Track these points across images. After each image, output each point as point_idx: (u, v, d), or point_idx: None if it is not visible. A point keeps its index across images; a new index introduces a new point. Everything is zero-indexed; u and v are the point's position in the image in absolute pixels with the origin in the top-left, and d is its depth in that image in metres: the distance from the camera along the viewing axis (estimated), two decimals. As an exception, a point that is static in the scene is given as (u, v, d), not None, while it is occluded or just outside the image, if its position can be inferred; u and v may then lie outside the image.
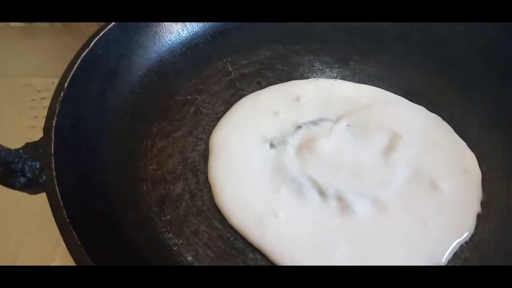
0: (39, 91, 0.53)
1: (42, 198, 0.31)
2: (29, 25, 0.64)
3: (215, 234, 0.35)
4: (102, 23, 0.41)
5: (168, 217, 0.36)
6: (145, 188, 0.37)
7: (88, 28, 0.64)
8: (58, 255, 0.40)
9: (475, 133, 0.42)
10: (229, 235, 0.35)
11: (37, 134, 0.48)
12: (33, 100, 0.52)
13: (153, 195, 0.37)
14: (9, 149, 0.29)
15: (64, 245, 0.28)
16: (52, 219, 0.29)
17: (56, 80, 0.36)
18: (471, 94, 0.45)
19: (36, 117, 0.50)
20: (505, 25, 0.44)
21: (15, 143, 0.47)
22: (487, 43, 0.47)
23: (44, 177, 0.30)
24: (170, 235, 0.35)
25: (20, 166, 0.29)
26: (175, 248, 0.34)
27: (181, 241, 0.34)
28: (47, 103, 0.51)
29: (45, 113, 0.35)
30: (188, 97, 0.44)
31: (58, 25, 0.64)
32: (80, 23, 0.64)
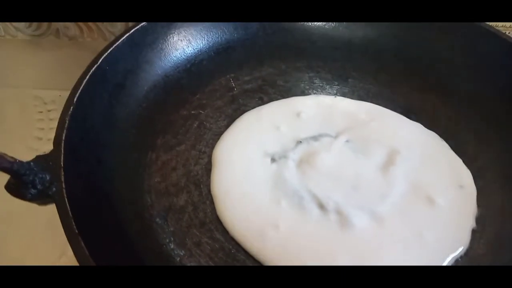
0: (45, 103, 0.55)
1: (47, 209, 0.32)
2: (36, 38, 0.65)
3: (217, 246, 0.36)
4: (108, 40, 0.43)
5: (172, 229, 0.37)
6: (149, 200, 0.38)
7: (94, 42, 0.66)
8: (63, 264, 0.41)
9: (471, 149, 0.43)
10: (230, 247, 0.36)
11: (44, 146, 0.50)
12: (40, 112, 0.54)
13: (157, 207, 0.38)
14: (21, 162, 0.30)
15: (69, 254, 0.29)
16: (58, 229, 0.29)
17: (63, 93, 0.37)
18: (468, 111, 0.46)
19: (42, 129, 0.52)
20: (502, 41, 0.46)
21: (21, 154, 0.48)
22: (485, 60, 0.47)
23: (54, 189, 0.31)
24: (173, 246, 0.36)
25: (31, 178, 0.30)
26: (178, 259, 0.35)
27: (183, 252, 0.35)
28: (53, 115, 0.53)
29: (51, 125, 0.36)
30: (192, 112, 0.45)
31: (64, 38, 0.66)
32: (86, 38, 0.66)
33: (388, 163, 0.41)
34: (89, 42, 0.66)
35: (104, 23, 0.64)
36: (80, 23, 0.64)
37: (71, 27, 0.65)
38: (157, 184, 0.39)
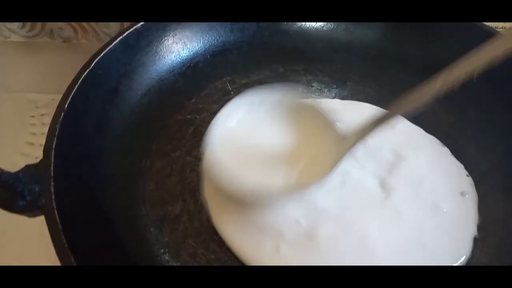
0: (38, 107, 0.53)
1: (41, 218, 0.31)
2: (29, 40, 0.64)
3: (212, 257, 0.35)
4: (103, 41, 0.42)
5: (166, 239, 0.36)
6: (143, 209, 0.37)
7: (88, 44, 0.64)
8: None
9: (472, 155, 0.42)
10: (226, 258, 0.35)
11: (35, 151, 0.49)
12: (32, 116, 0.52)
13: (152, 216, 0.37)
14: (9, 173, 0.29)
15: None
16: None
17: (56, 97, 0.36)
18: (469, 116, 0.45)
19: (34, 133, 0.50)
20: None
21: (13, 159, 0.48)
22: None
23: (43, 200, 0.30)
24: (167, 257, 0.35)
25: (19, 189, 0.29)
26: (173, 270, 0.34)
27: (179, 263, 0.34)
28: (46, 119, 0.52)
29: (44, 129, 0.35)
30: (188, 116, 0.44)
31: (58, 41, 0.65)
32: (80, 39, 0.64)
33: (389, 167, 0.40)
34: (83, 43, 0.65)
35: (99, 24, 0.63)
36: (75, 24, 0.63)
37: (65, 28, 0.63)
38: (151, 192, 0.38)
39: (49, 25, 0.63)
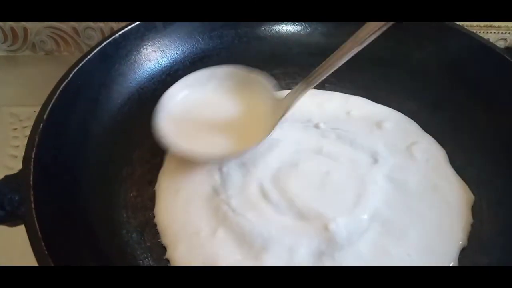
0: (21, 120, 0.54)
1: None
2: (11, 54, 0.64)
3: (194, 260, 0.35)
4: (85, 51, 0.42)
5: (148, 244, 0.36)
6: (125, 215, 0.38)
7: (71, 56, 0.65)
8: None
9: (449, 152, 0.43)
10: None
11: (19, 164, 0.48)
12: (15, 129, 0.53)
13: (133, 222, 0.37)
14: (-12, 183, 0.30)
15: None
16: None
17: (38, 109, 0.37)
18: (443, 114, 0.46)
19: (17, 146, 0.51)
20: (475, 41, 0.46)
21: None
22: (458, 62, 0.48)
23: (23, 209, 0.31)
24: (150, 262, 0.35)
25: (-1, 199, 0.30)
26: (156, 275, 0.34)
27: (161, 267, 0.35)
28: (28, 132, 0.52)
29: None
30: (168, 124, 0.45)
31: (41, 53, 0.65)
32: (63, 52, 0.65)
33: (369, 164, 0.41)
34: (65, 56, 0.65)
35: (81, 36, 0.63)
36: (56, 37, 0.63)
37: (47, 41, 0.64)
38: (133, 199, 0.39)
39: (31, 38, 0.64)
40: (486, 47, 0.45)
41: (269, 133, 0.40)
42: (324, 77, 0.40)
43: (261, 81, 0.43)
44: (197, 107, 0.43)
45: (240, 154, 0.40)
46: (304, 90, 0.40)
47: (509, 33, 0.60)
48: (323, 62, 0.40)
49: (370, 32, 0.37)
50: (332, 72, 0.49)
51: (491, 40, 0.60)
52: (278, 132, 0.42)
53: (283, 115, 0.40)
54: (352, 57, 0.50)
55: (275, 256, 0.35)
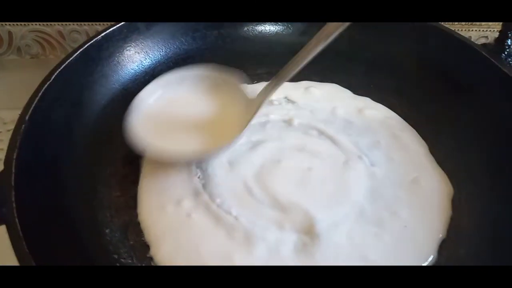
0: (5, 123, 0.54)
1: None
2: (-3, 58, 0.64)
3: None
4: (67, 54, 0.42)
5: (132, 243, 0.36)
6: (108, 214, 0.38)
7: (57, 59, 0.64)
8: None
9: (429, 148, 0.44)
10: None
11: (2, 167, 0.49)
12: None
13: (117, 222, 0.38)
14: (-32, 184, 0.30)
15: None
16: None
17: (22, 112, 0.37)
18: (427, 110, 0.47)
19: (2, 149, 0.51)
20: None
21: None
22: (439, 59, 0.48)
23: (4, 210, 0.31)
24: (134, 261, 0.35)
25: (-21, 200, 0.30)
26: (139, 273, 0.35)
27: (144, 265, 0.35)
28: (14, 135, 0.52)
29: (11, 145, 0.35)
30: (152, 124, 0.45)
31: (27, 57, 0.65)
32: (48, 55, 0.65)
33: (350, 159, 0.42)
34: (51, 59, 0.65)
35: (66, 39, 0.63)
36: (42, 41, 0.64)
37: (33, 45, 0.64)
38: (116, 199, 0.39)
39: (16, 42, 0.64)
40: (465, 44, 0.46)
41: (242, 131, 0.40)
42: (292, 74, 0.40)
43: (233, 81, 0.44)
44: (170, 107, 0.43)
45: (213, 153, 0.41)
46: (274, 88, 0.41)
47: (491, 30, 0.61)
48: (290, 61, 0.40)
49: (331, 31, 0.38)
50: (315, 71, 0.51)
51: (472, 38, 0.61)
52: (261, 132, 0.43)
53: (254, 114, 0.41)
54: (334, 56, 0.51)
55: (259, 250, 0.35)
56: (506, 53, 0.45)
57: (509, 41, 0.46)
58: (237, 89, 0.43)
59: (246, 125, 0.40)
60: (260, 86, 0.47)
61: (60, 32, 0.61)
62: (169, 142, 0.40)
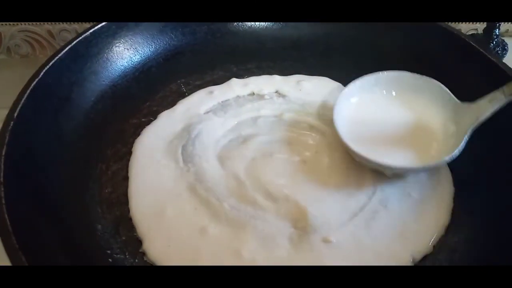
0: (-5, 122, 0.53)
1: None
2: (-14, 58, 0.64)
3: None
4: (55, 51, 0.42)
5: (124, 238, 0.36)
6: (99, 210, 0.38)
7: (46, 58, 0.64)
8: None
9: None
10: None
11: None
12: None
13: (108, 218, 0.38)
14: (-44, 181, 0.30)
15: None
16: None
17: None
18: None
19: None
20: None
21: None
22: (429, 53, 0.49)
23: (-8, 206, 0.30)
24: (127, 256, 0.35)
25: (-33, 197, 0.30)
26: (131, 268, 0.35)
27: (136, 261, 0.35)
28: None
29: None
30: (143, 120, 0.45)
31: (16, 57, 0.65)
32: (38, 55, 0.65)
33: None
34: (41, 58, 0.65)
35: (56, 39, 0.63)
36: (31, 40, 0.63)
37: (23, 45, 0.64)
38: (108, 195, 0.39)
39: (5, 42, 0.63)
40: (452, 34, 0.46)
41: (461, 142, 0.37)
42: None
43: (435, 84, 0.42)
44: (368, 113, 0.42)
45: (429, 168, 0.40)
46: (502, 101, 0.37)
47: (480, 23, 0.61)
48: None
49: None
50: (305, 66, 0.51)
51: (462, 30, 0.61)
52: (252, 126, 0.43)
53: (477, 123, 0.37)
54: (325, 51, 0.52)
55: (253, 242, 0.35)
56: (494, 42, 0.45)
57: (497, 31, 0.46)
58: (441, 96, 0.41)
59: (463, 136, 0.37)
60: (251, 80, 0.48)
61: (49, 32, 0.61)
62: (373, 148, 0.39)
